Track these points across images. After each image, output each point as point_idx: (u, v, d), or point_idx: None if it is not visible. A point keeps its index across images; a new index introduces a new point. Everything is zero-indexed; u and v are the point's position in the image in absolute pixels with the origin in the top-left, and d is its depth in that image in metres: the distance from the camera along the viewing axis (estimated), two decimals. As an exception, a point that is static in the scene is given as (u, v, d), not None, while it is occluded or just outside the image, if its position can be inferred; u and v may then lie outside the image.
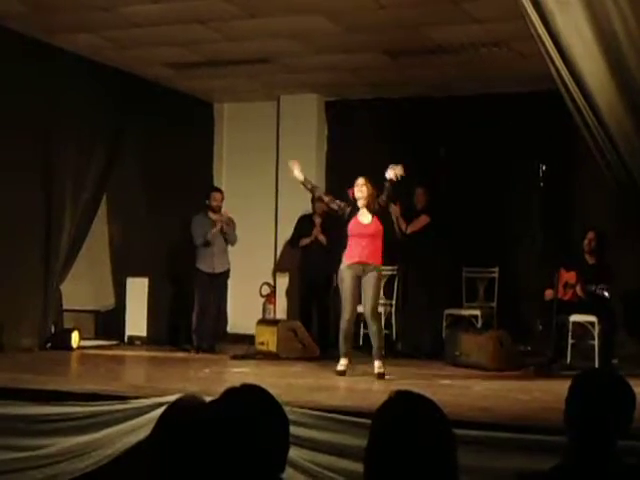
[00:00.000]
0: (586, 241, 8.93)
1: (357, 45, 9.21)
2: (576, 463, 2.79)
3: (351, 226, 7.84)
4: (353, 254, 7.77)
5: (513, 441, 4.94)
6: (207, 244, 9.88)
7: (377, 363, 7.61)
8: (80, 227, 9.97)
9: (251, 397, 2.50)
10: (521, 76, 9.41)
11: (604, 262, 8.89)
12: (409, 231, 9.90)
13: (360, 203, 7.84)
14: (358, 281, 7.73)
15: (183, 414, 2.05)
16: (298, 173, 8.07)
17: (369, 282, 7.72)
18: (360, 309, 8.09)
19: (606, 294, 8.46)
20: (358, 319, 8.45)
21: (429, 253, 9.87)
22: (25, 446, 6.06)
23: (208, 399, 2.14)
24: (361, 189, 7.85)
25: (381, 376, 7.53)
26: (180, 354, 9.64)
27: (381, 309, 10.10)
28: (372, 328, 7.77)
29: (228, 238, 10.02)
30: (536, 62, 6.47)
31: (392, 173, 7.73)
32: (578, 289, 8.70)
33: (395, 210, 9.86)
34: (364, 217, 7.86)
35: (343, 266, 7.81)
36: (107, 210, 10.94)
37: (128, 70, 10.30)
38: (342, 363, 7.75)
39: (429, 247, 9.85)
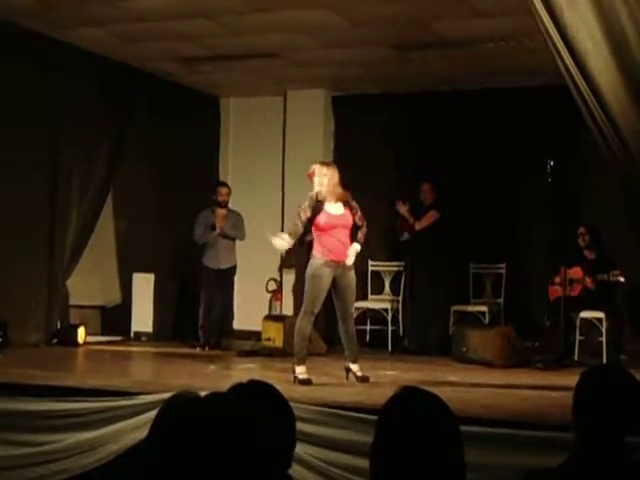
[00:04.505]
0: (580, 237, 8.94)
1: (364, 39, 9.17)
2: (584, 459, 2.78)
3: (320, 219, 6.96)
4: (330, 250, 6.93)
5: (520, 438, 4.93)
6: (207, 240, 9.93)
7: (357, 366, 7.12)
8: (86, 223, 9.96)
9: (258, 393, 2.49)
10: (529, 71, 9.36)
11: (604, 254, 8.88)
12: (417, 227, 9.85)
13: (322, 196, 6.99)
14: (332, 281, 6.97)
15: (180, 410, 2.04)
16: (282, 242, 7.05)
17: (350, 285, 7.06)
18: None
19: (621, 279, 8.43)
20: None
21: (436, 249, 9.84)
22: (31, 442, 6.06)
23: (203, 394, 2.13)
24: (322, 181, 6.99)
25: (365, 379, 7.05)
26: (186, 350, 9.63)
27: (388, 305, 10.12)
28: (352, 331, 7.16)
29: (231, 236, 9.98)
30: (544, 57, 6.43)
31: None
32: (589, 282, 8.67)
33: (404, 209, 9.82)
34: (333, 208, 7.02)
35: (319, 261, 6.92)
36: (113, 206, 10.92)
37: (134, 64, 10.27)
38: (303, 371, 6.95)
39: (436, 243, 9.82)
